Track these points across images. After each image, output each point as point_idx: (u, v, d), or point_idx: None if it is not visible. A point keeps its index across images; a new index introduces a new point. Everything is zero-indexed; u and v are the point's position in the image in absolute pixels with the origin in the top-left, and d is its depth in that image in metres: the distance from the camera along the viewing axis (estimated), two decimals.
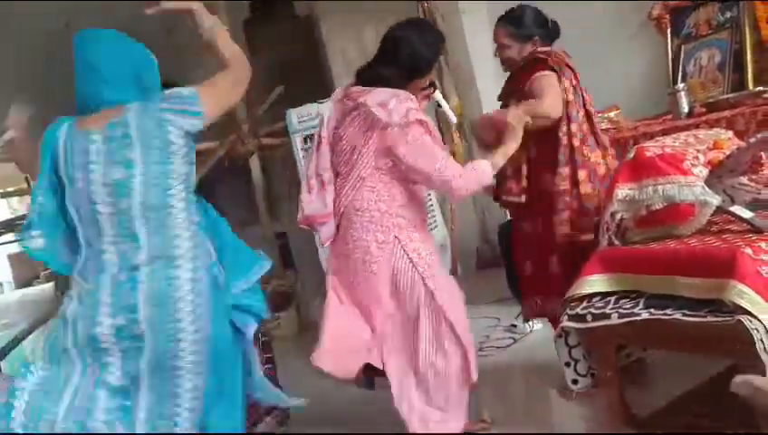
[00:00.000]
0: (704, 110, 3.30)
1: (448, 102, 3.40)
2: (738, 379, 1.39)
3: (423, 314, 2.46)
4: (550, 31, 2.80)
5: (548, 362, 3.25)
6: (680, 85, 3.46)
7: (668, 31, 3.97)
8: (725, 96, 3.40)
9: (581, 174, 2.64)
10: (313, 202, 2.54)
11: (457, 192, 2.41)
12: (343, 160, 2.50)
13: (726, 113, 3.06)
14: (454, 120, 3.03)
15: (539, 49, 2.74)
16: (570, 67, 2.70)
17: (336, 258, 2.58)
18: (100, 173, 1.97)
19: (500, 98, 2.91)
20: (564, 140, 2.65)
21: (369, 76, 2.49)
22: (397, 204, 2.46)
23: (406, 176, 2.45)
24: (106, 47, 2.06)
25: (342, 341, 2.54)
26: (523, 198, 2.74)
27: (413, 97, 2.43)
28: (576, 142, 2.65)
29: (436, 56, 2.56)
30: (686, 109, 3.31)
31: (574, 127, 2.65)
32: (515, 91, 2.76)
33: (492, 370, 3.23)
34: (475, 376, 2.50)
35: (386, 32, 2.56)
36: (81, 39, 2.06)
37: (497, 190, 2.84)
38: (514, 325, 3.91)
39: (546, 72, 2.66)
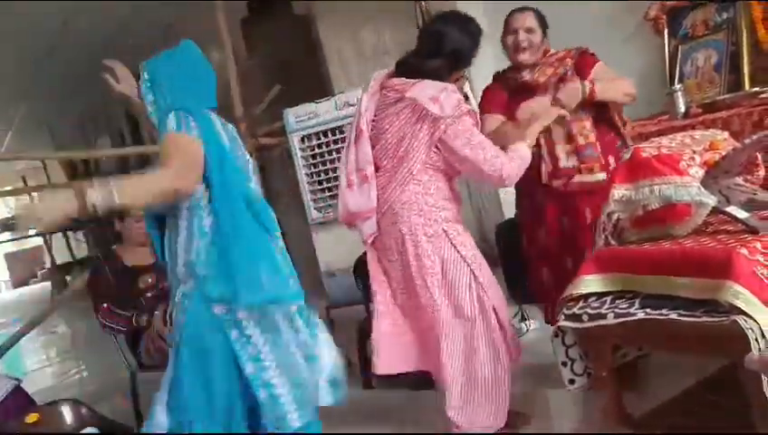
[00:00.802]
0: (700, 111, 3.31)
1: None
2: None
3: (469, 303, 2.48)
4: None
5: (544, 361, 3.26)
6: (677, 86, 3.47)
7: (665, 31, 3.98)
8: (722, 97, 3.41)
9: None
10: (356, 198, 2.51)
11: (508, 180, 2.42)
12: (388, 154, 2.48)
13: (722, 114, 3.07)
14: (474, 106, 2.86)
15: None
16: None
17: (381, 254, 2.58)
18: (244, 160, 2.22)
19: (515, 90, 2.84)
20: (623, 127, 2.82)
21: (411, 68, 2.48)
22: (441, 197, 2.48)
23: (450, 169, 2.47)
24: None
25: (393, 341, 2.60)
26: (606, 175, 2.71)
27: (456, 89, 2.44)
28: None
29: (477, 47, 2.54)
30: (682, 109, 3.32)
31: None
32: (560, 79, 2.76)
33: None
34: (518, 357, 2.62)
35: (426, 24, 2.60)
36: (195, 48, 2.25)
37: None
38: (511, 325, 3.91)
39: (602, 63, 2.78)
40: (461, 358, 2.53)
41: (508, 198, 5.32)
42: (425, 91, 2.38)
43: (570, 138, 2.71)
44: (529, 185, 2.77)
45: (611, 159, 2.74)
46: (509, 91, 2.84)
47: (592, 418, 2.56)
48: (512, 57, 2.81)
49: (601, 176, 2.68)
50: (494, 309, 2.52)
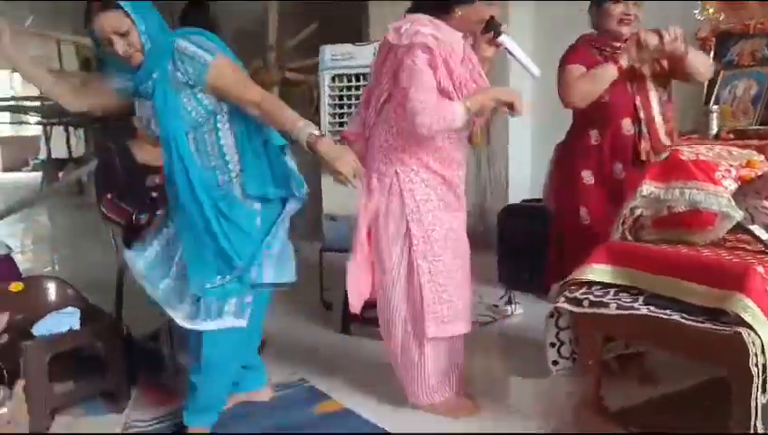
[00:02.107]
0: (731, 136, 3.31)
1: None
2: None
3: (394, 256, 2.49)
4: None
5: (523, 345, 3.31)
6: (714, 106, 3.47)
7: (711, 54, 3.96)
8: (754, 127, 3.43)
9: None
10: (351, 120, 2.70)
11: (420, 126, 2.31)
12: (374, 89, 2.54)
13: (754, 142, 3.07)
14: (536, 72, 2.46)
15: None
16: None
17: None
18: None
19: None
20: None
21: (410, 6, 2.48)
22: (403, 139, 2.44)
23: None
24: None
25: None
26: None
27: (439, 24, 2.34)
28: None
29: None
30: (715, 130, 3.33)
31: None
32: None
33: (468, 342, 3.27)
34: (430, 332, 2.49)
35: None
36: None
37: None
38: (497, 305, 3.97)
39: None
40: (384, 315, 2.58)
41: (516, 182, 5.36)
42: (397, 22, 2.38)
43: (666, 119, 2.74)
44: (602, 162, 2.78)
45: None
46: (602, 58, 2.75)
47: (560, 407, 2.60)
48: (612, 26, 2.72)
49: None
50: (421, 271, 2.46)
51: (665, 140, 2.70)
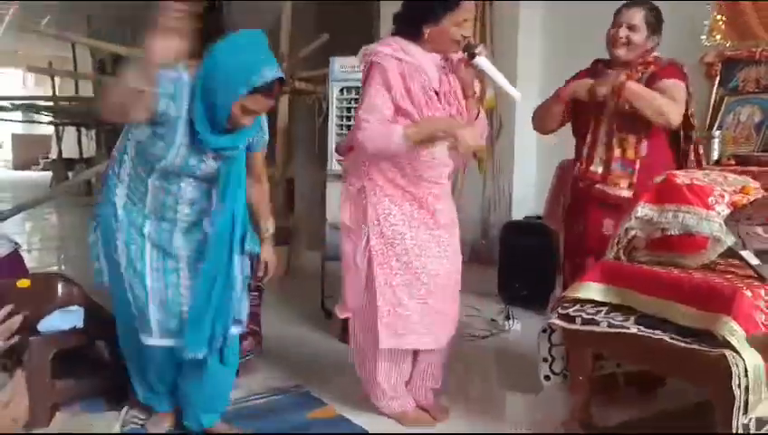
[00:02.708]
0: (732, 163, 3.35)
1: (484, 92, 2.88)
2: None
3: (359, 265, 2.54)
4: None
5: (518, 360, 3.34)
6: (716, 132, 3.51)
7: (717, 79, 4.01)
8: (755, 154, 3.46)
9: None
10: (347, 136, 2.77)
11: (362, 143, 2.40)
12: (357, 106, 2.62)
13: (754, 169, 3.11)
14: (516, 95, 2.44)
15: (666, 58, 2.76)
16: None
17: None
18: None
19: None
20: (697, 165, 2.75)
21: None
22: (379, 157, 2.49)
23: None
24: None
25: None
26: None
27: (407, 45, 2.39)
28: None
29: (445, 3, 2.35)
30: (715, 156, 3.37)
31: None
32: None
33: (463, 355, 3.33)
34: (384, 344, 2.52)
35: None
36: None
37: None
38: (495, 320, 4.00)
39: (683, 84, 2.67)
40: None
41: (520, 198, 5.40)
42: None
43: (609, 147, 2.67)
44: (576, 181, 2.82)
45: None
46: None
47: (549, 422, 2.63)
48: (609, 50, 2.74)
49: (626, 193, 2.60)
50: (377, 282, 2.51)
51: (595, 168, 2.70)
